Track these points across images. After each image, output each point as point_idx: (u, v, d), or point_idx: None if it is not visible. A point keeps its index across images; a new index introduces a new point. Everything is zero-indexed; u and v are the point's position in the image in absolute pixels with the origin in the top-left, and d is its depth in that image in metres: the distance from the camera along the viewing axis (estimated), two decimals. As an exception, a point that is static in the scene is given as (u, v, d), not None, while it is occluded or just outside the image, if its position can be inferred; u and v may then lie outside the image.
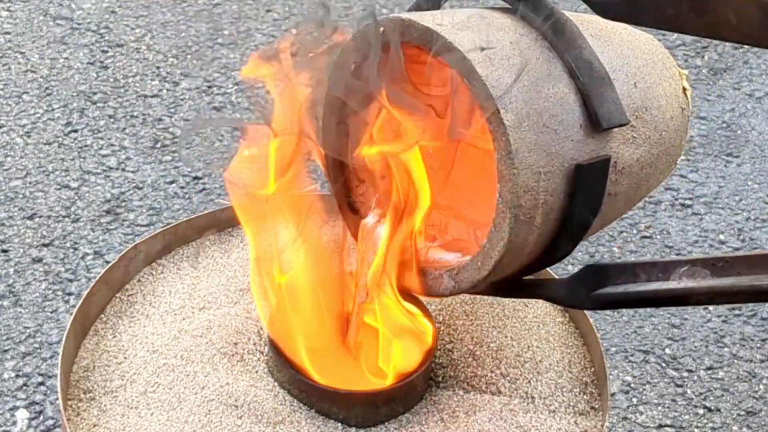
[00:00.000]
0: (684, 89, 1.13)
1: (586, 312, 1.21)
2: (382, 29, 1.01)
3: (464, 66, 0.96)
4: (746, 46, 2.55)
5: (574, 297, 1.08)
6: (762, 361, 1.81)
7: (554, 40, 1.01)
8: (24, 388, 1.70)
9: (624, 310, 1.88)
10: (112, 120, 2.23)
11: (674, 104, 1.11)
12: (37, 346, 1.76)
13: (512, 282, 1.08)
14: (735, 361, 1.81)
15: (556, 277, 1.18)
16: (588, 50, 1.02)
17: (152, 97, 2.30)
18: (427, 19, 1.00)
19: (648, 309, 1.88)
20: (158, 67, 2.37)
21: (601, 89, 1.00)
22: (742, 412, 1.73)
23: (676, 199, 2.14)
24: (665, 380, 1.77)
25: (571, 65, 1.00)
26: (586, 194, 1.01)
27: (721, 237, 2.05)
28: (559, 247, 1.03)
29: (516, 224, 0.98)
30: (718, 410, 1.73)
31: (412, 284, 1.09)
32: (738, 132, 2.32)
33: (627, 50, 1.08)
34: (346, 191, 1.14)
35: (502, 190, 0.97)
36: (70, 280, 1.87)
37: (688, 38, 2.57)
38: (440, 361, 1.15)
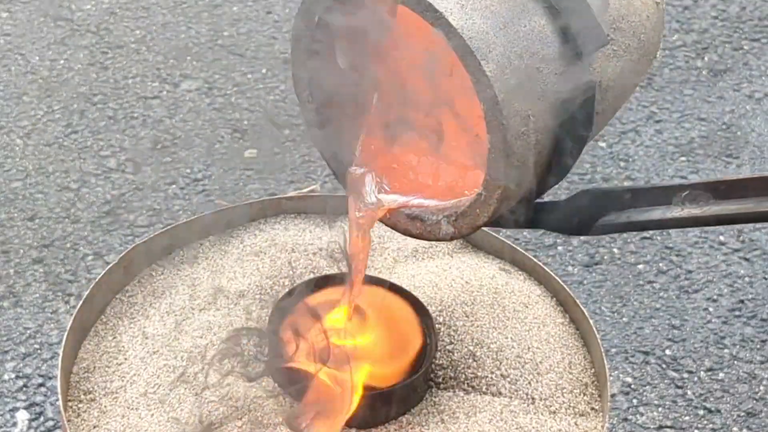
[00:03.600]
0: None
1: (585, 312, 1.21)
2: None
3: (436, 17, 0.92)
4: (745, 48, 2.55)
5: (578, 226, 1.07)
6: (762, 363, 1.81)
7: None
8: (24, 389, 1.70)
9: (624, 310, 1.88)
10: (112, 121, 2.23)
11: (648, 1, 1.07)
12: (37, 347, 1.76)
13: (512, 215, 1.06)
14: (735, 362, 1.81)
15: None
16: None
17: (152, 98, 2.29)
18: None
19: (648, 310, 1.88)
20: (158, 69, 2.37)
21: (576, 14, 0.97)
22: (743, 413, 1.73)
23: (676, 201, 2.14)
24: (665, 381, 1.77)
25: None
26: (576, 124, 0.99)
27: (721, 238, 2.05)
28: (552, 178, 1.03)
29: (511, 171, 0.96)
30: (719, 411, 1.73)
31: (410, 229, 1.07)
32: (738, 133, 2.32)
33: None
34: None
35: (493, 140, 0.94)
36: (71, 281, 1.87)
37: (688, 39, 2.57)
38: (440, 362, 1.15)
